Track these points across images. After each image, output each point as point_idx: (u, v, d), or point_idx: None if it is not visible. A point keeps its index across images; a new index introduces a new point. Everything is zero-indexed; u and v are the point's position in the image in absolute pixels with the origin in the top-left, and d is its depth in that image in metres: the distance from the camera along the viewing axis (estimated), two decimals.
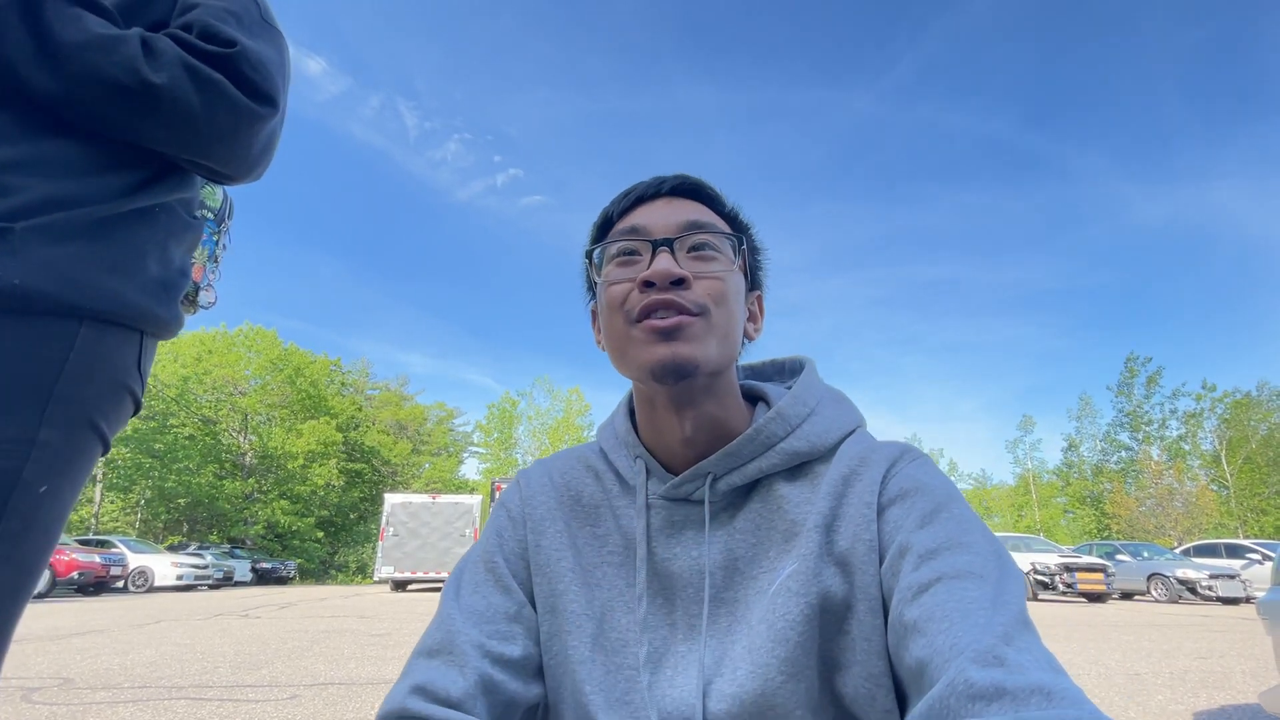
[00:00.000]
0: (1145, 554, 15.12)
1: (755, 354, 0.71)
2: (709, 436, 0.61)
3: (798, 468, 0.61)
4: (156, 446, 24.73)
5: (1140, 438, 35.80)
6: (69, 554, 12.41)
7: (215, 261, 1.01)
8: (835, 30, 69.56)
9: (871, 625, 0.52)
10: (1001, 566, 0.47)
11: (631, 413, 0.67)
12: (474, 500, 17.72)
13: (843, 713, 0.53)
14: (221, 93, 0.75)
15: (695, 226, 0.60)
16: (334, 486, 30.82)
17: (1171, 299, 56.44)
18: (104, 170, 0.71)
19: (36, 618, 7.45)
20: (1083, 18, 58.31)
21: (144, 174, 0.76)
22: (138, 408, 0.79)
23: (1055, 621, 8.19)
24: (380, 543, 16.84)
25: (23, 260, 0.63)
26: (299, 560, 27.44)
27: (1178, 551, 15.75)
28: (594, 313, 0.67)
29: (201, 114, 0.73)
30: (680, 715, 0.54)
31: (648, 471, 0.63)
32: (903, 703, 0.50)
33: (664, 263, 0.57)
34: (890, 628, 0.49)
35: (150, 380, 24.82)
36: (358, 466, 33.54)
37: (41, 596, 11.14)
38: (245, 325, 30.81)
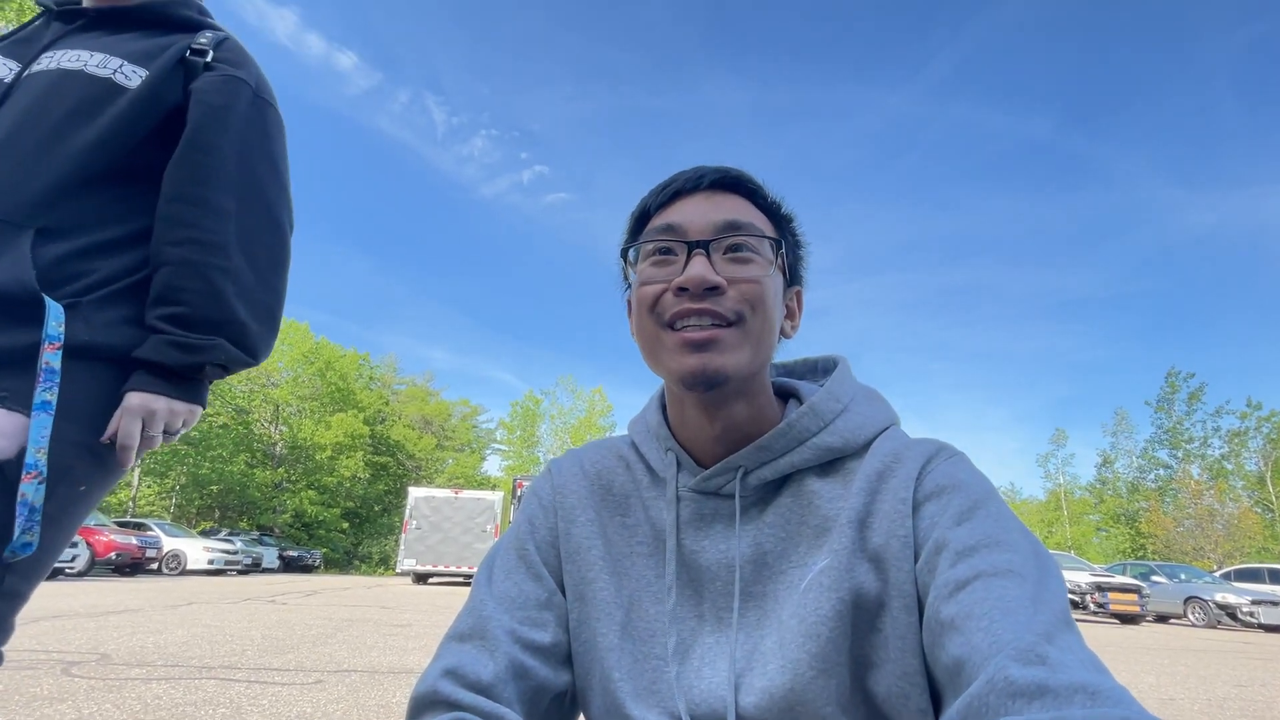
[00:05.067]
0: (1182, 576, 14.59)
1: (783, 354, 0.70)
2: (740, 435, 0.61)
3: (830, 463, 0.60)
4: (192, 434, 25.46)
5: (1180, 456, 34.50)
6: (108, 535, 12.86)
7: None
8: (868, 26, 68.88)
9: (906, 623, 0.51)
10: (1041, 565, 0.47)
11: (664, 406, 0.67)
12: (496, 497, 17.89)
13: (874, 711, 0.53)
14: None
15: (733, 227, 0.58)
16: (360, 479, 31.39)
17: (1217, 311, 54.48)
18: (138, 244, 0.90)
19: (76, 595, 7.73)
20: (1129, 12, 56.63)
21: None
22: None
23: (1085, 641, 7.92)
24: (403, 535, 17.11)
25: (87, 324, 0.83)
26: (324, 550, 28.03)
27: (1217, 575, 15.16)
28: (630, 303, 0.67)
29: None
30: (709, 707, 0.54)
31: (678, 464, 0.63)
32: (937, 702, 0.50)
33: (699, 268, 0.56)
34: (926, 625, 0.49)
35: None
36: (383, 460, 34.11)
37: (81, 575, 11.56)
38: None
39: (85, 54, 0.92)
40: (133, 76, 0.91)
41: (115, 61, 0.92)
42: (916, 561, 0.52)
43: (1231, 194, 54.65)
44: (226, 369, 0.90)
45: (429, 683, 0.51)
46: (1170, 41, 56.14)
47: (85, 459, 0.82)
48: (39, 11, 1.03)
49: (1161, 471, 35.31)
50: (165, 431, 0.86)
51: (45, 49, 0.94)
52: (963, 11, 65.41)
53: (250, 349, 0.93)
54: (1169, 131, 57.71)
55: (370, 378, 36.73)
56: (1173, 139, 57.50)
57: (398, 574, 20.41)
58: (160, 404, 0.84)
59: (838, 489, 0.58)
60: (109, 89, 0.90)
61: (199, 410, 0.90)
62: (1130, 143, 59.19)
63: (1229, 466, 32.94)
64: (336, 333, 59.34)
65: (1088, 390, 59.85)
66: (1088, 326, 59.56)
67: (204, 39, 0.98)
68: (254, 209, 0.95)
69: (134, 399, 0.83)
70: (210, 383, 0.91)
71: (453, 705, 0.49)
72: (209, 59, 0.96)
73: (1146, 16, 56.55)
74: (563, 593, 0.62)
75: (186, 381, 0.87)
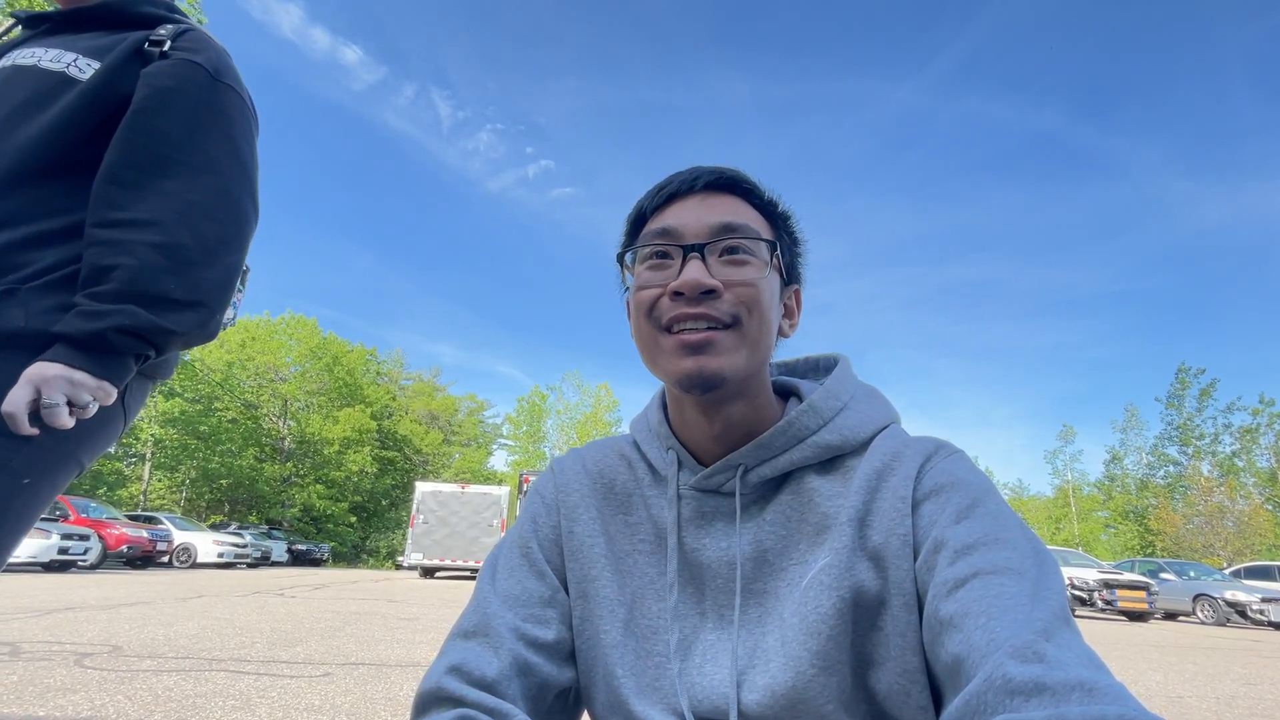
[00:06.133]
0: (1191, 574, 14.49)
1: (785, 351, 0.69)
2: (740, 434, 0.61)
3: (829, 461, 0.60)
4: (202, 429, 25.71)
5: (1190, 452, 34.22)
6: (119, 528, 13.01)
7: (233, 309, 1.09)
8: (875, 18, 68.33)
9: (906, 621, 0.51)
10: (1040, 562, 0.47)
11: (665, 405, 0.68)
12: (502, 491, 17.95)
13: (876, 708, 0.53)
14: None
15: (728, 230, 0.58)
16: (367, 473, 31.61)
17: (1229, 307, 53.92)
18: (77, 236, 0.89)
19: (88, 587, 7.84)
20: (1140, 3, 55.76)
21: None
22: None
23: (1092, 639, 7.88)
24: (410, 530, 17.21)
25: (24, 310, 0.84)
26: (332, 543, 28.25)
27: (1227, 572, 15.05)
28: (628, 306, 0.67)
29: None
30: (712, 704, 0.55)
31: (679, 463, 0.63)
32: (938, 699, 0.50)
33: (694, 271, 0.56)
34: (925, 623, 0.49)
35: (197, 365, 26.02)
36: (390, 454, 34.34)
37: (93, 568, 11.70)
38: (287, 314, 31.87)
39: (41, 50, 0.92)
40: (86, 69, 0.91)
41: (70, 56, 0.91)
42: (916, 559, 0.52)
43: (1244, 187, 53.99)
44: (146, 339, 0.85)
45: (434, 679, 0.51)
46: (1183, 33, 55.39)
47: (22, 450, 0.79)
48: (10, 24, 1.04)
49: (1171, 468, 35.08)
50: (72, 404, 0.81)
51: (6, 52, 0.95)
52: (971, 3, 64.81)
53: (179, 321, 0.87)
54: (1181, 124, 57.09)
55: (377, 373, 36.94)
56: (1184, 132, 56.86)
57: (405, 568, 20.54)
58: (54, 370, 0.79)
59: (838, 487, 0.58)
60: (61, 82, 0.89)
61: (109, 387, 0.84)
62: (1141, 136, 58.60)
63: (1240, 463, 32.67)
64: (343, 328, 59.81)
65: (1096, 386, 59.59)
66: (1097, 322, 59.27)
67: (163, 31, 0.97)
68: (205, 187, 0.92)
69: (33, 368, 0.80)
70: (130, 357, 0.86)
71: (458, 701, 0.50)
72: (165, 48, 0.95)
73: (1158, 7, 55.87)
74: (566, 590, 0.62)
75: (96, 353, 0.82)
